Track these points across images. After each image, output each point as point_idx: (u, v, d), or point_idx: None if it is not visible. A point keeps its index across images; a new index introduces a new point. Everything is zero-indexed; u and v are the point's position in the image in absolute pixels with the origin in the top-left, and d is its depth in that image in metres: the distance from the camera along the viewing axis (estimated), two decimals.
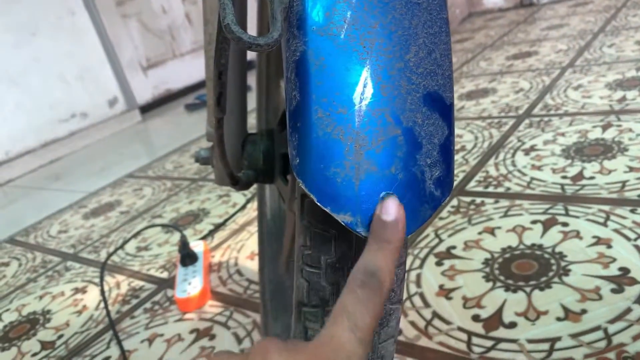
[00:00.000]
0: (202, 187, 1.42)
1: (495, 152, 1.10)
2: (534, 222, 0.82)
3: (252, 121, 1.41)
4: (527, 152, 1.06)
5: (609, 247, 0.72)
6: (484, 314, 0.67)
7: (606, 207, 0.81)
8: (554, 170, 0.96)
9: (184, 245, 0.96)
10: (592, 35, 1.75)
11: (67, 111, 2.36)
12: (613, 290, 0.64)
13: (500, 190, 0.95)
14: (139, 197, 1.49)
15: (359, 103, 0.27)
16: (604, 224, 0.77)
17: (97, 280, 1.06)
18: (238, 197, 1.27)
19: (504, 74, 1.61)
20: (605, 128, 1.06)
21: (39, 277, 1.16)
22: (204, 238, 1.10)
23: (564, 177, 0.93)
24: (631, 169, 0.89)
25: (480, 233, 0.83)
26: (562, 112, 1.21)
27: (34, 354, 0.87)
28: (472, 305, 0.69)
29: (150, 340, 0.82)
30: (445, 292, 0.72)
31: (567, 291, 0.66)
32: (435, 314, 0.69)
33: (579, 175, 0.92)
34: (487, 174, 1.02)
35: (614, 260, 0.69)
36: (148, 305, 0.92)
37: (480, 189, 0.97)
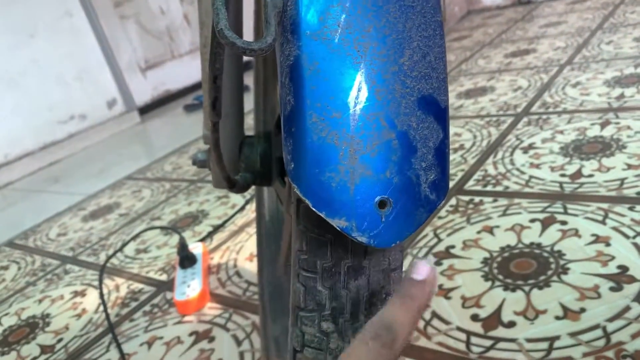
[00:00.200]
0: (200, 188, 1.42)
1: (493, 150, 1.10)
2: (533, 220, 0.82)
3: (250, 122, 1.41)
4: (525, 151, 1.06)
5: (608, 245, 0.72)
6: (483, 313, 0.67)
7: (605, 205, 0.81)
8: (552, 169, 0.96)
9: (182, 248, 0.96)
10: (590, 32, 1.75)
11: (66, 113, 2.36)
12: (612, 289, 0.64)
13: (499, 189, 0.95)
14: (137, 199, 1.49)
15: (353, 107, 0.27)
16: (603, 222, 0.77)
17: (96, 283, 1.06)
18: (237, 198, 1.27)
19: (502, 72, 1.61)
20: (603, 125, 1.06)
21: (38, 280, 1.16)
22: (202, 240, 1.10)
23: (563, 175, 0.92)
24: (629, 167, 0.89)
25: (479, 232, 0.83)
26: (561, 109, 1.21)
27: (34, 358, 0.87)
28: (471, 305, 0.69)
29: (149, 343, 0.82)
30: (445, 292, 0.72)
31: (566, 290, 0.66)
32: (435, 314, 0.69)
33: (578, 173, 0.92)
34: (485, 173, 1.02)
35: (613, 258, 0.69)
36: (147, 308, 0.92)
37: (478, 187, 0.97)
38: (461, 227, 0.86)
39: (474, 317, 0.66)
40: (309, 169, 0.27)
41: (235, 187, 0.50)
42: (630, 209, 0.78)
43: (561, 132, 1.09)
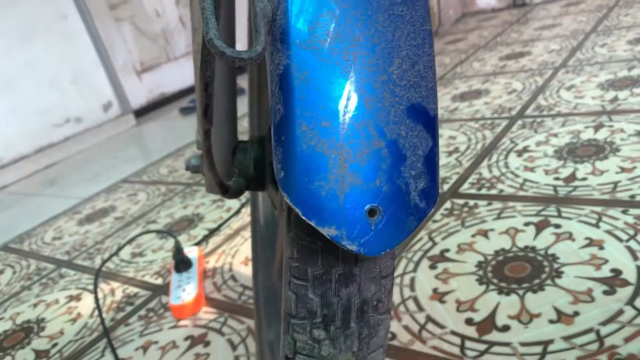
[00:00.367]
0: (196, 191, 1.41)
1: (488, 153, 1.11)
2: (527, 224, 0.82)
3: (244, 125, 1.41)
4: (519, 154, 1.06)
5: (601, 248, 0.72)
6: (477, 317, 0.67)
7: (598, 209, 0.81)
8: (546, 172, 0.96)
9: (178, 251, 0.96)
10: (584, 35, 1.76)
11: (61, 116, 2.36)
12: (605, 292, 0.65)
13: (494, 192, 0.95)
14: (133, 203, 1.48)
15: (342, 116, 0.27)
16: (596, 226, 0.77)
17: (91, 287, 1.06)
18: (232, 201, 1.27)
19: (497, 75, 1.62)
20: (597, 128, 1.07)
21: (33, 284, 1.15)
22: (198, 244, 1.10)
23: (557, 179, 0.93)
24: (623, 170, 0.89)
25: (473, 236, 0.83)
26: (555, 112, 1.21)
27: None
28: (465, 309, 0.69)
29: (144, 348, 0.81)
30: (439, 296, 0.73)
31: (560, 293, 0.66)
32: (429, 318, 0.69)
33: (572, 177, 0.92)
34: (480, 176, 1.02)
35: (606, 261, 0.70)
36: (142, 312, 0.92)
37: (473, 191, 0.97)
38: (456, 230, 0.86)
39: (469, 321, 0.67)
40: (299, 177, 0.27)
41: (228, 192, 0.50)
42: (624, 212, 0.78)
43: (555, 135, 1.10)
